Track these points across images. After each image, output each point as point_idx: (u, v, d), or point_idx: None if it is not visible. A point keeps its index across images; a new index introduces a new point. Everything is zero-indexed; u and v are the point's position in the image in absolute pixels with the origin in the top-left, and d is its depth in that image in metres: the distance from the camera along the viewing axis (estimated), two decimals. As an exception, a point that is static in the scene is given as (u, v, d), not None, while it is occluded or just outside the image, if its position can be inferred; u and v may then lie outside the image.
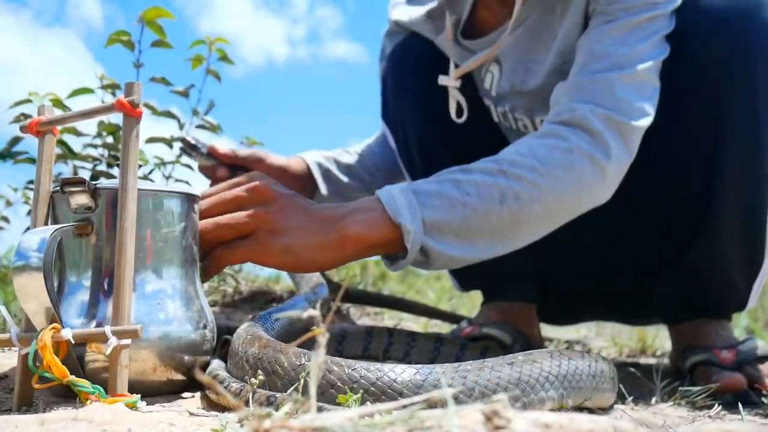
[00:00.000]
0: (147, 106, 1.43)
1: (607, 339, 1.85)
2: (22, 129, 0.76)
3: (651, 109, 0.94)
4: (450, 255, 0.85)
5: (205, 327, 0.78)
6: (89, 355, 0.69)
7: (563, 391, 0.72)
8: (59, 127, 0.79)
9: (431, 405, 0.60)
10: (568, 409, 0.72)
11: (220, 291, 1.54)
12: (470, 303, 2.42)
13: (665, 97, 0.98)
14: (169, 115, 1.49)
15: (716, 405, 0.90)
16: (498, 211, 0.85)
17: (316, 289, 1.05)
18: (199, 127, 1.60)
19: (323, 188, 1.21)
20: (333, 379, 0.64)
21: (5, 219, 1.75)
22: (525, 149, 0.87)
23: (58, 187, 0.73)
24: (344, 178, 1.25)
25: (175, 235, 0.76)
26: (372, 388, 0.63)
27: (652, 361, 1.49)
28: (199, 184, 1.12)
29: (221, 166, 1.13)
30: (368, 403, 0.63)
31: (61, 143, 1.39)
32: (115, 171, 1.41)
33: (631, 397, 0.91)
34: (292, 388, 0.65)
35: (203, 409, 0.70)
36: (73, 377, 0.65)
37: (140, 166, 1.36)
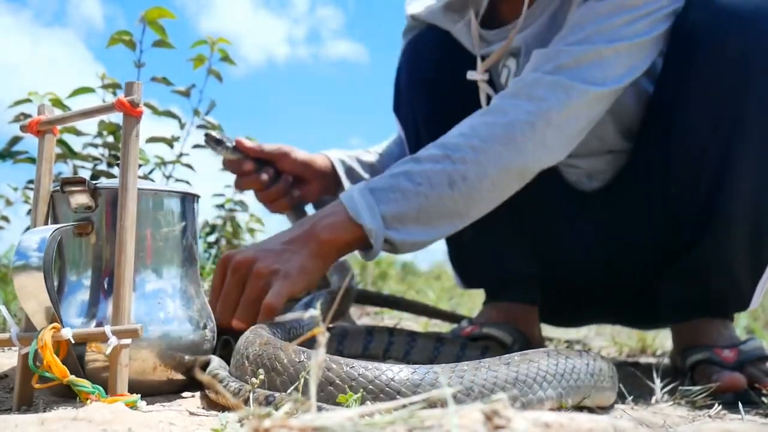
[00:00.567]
0: (147, 105, 1.43)
1: (607, 338, 1.85)
2: (22, 128, 0.76)
3: (613, 83, 0.96)
4: (414, 240, 0.93)
5: (205, 327, 0.78)
6: (89, 355, 0.69)
7: (561, 390, 0.72)
8: (59, 127, 0.79)
9: (431, 404, 0.60)
10: (568, 408, 0.72)
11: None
12: (470, 303, 2.42)
13: (678, 95, 0.99)
14: (169, 114, 1.49)
15: (716, 404, 0.90)
16: (450, 195, 0.92)
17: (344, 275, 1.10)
18: (199, 127, 1.60)
19: (347, 185, 1.22)
20: (331, 377, 0.64)
21: (5, 218, 1.75)
22: (467, 130, 0.93)
23: (58, 187, 0.73)
24: (367, 176, 1.26)
25: (175, 235, 0.76)
26: (370, 386, 0.63)
27: (652, 360, 1.49)
28: (199, 184, 1.12)
29: (247, 160, 1.13)
30: (368, 402, 0.63)
31: (61, 143, 1.39)
32: (116, 170, 1.41)
33: (631, 397, 0.91)
34: (292, 387, 0.65)
35: (203, 408, 0.70)
36: (73, 377, 0.65)
37: (140, 165, 1.36)
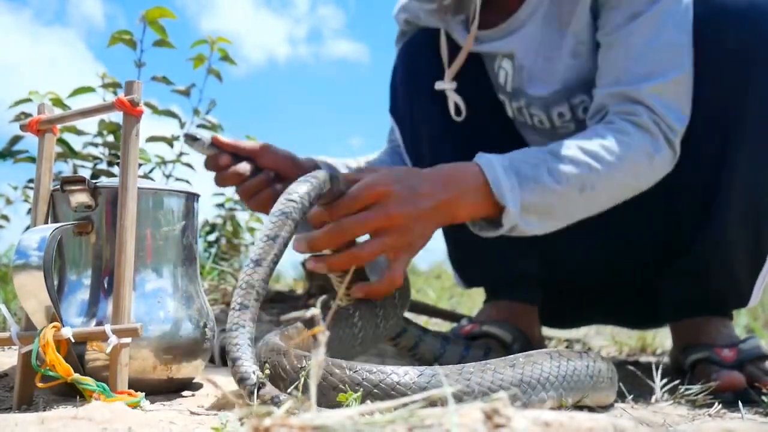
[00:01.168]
0: (147, 105, 1.43)
1: (607, 338, 1.85)
2: (22, 127, 0.76)
3: (688, 110, 1.00)
4: (523, 229, 0.94)
5: (205, 326, 0.78)
6: (89, 354, 0.69)
7: (562, 391, 0.72)
8: (59, 126, 0.79)
9: (432, 404, 0.60)
10: (568, 407, 0.72)
11: (220, 290, 1.54)
12: (470, 302, 2.42)
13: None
14: (169, 114, 1.49)
15: (716, 404, 0.90)
16: (576, 199, 0.95)
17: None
18: (200, 126, 1.60)
19: None
20: (334, 382, 0.63)
21: (5, 218, 1.75)
22: (608, 144, 0.95)
23: (58, 186, 0.73)
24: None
25: (175, 234, 0.76)
26: (375, 390, 0.63)
27: (652, 359, 1.49)
28: (200, 184, 1.11)
29: (223, 154, 1.10)
30: (368, 402, 0.63)
31: (62, 142, 1.39)
32: (116, 170, 1.41)
33: (631, 396, 0.90)
34: (291, 387, 0.65)
35: (203, 407, 0.70)
36: (77, 375, 0.65)
37: (140, 164, 1.36)
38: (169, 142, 1.54)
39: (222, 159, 1.08)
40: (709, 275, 1.06)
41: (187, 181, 1.57)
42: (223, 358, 1.07)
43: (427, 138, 1.18)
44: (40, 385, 0.66)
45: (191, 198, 0.79)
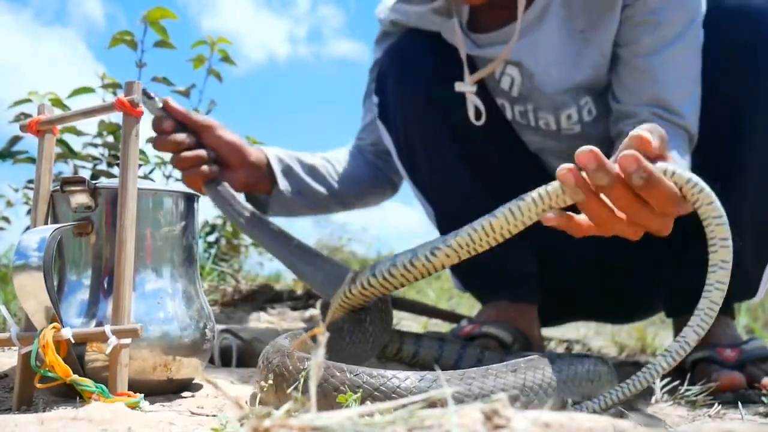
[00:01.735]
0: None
1: (606, 338, 1.85)
2: (22, 128, 0.76)
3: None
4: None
5: (205, 326, 0.78)
6: (89, 355, 0.69)
7: (563, 395, 0.72)
8: (59, 127, 0.79)
9: (431, 405, 0.60)
10: (568, 407, 0.72)
11: (220, 290, 1.54)
12: (470, 302, 2.42)
13: None
14: (169, 114, 1.49)
15: (716, 404, 0.90)
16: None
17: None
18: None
19: (282, 184, 1.18)
20: (335, 383, 0.64)
21: (5, 218, 1.75)
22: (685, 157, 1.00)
23: (58, 187, 0.73)
24: (308, 179, 1.22)
25: (174, 235, 0.76)
26: (375, 393, 0.63)
27: (651, 359, 1.49)
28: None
29: (169, 119, 1.06)
30: (368, 402, 0.63)
31: (61, 142, 1.40)
32: (116, 170, 1.41)
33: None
34: (291, 387, 0.65)
35: (203, 408, 0.70)
36: (76, 376, 0.65)
37: (140, 165, 1.36)
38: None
39: (165, 123, 1.06)
40: None
41: (187, 182, 1.57)
42: (222, 359, 1.07)
43: (422, 144, 1.16)
44: (39, 385, 0.66)
45: (191, 198, 0.79)
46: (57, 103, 1.33)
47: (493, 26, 1.13)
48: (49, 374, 0.65)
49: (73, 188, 0.72)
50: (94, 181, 0.73)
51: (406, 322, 1.76)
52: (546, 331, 1.53)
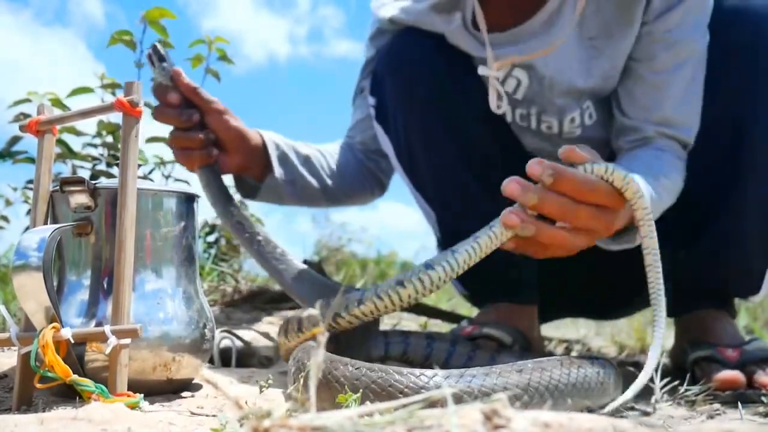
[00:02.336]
0: (147, 105, 1.43)
1: (606, 338, 1.85)
2: (22, 128, 0.76)
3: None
4: (631, 244, 0.96)
5: (204, 326, 0.78)
6: (89, 355, 0.69)
7: (570, 398, 0.72)
8: (59, 127, 0.79)
9: (431, 404, 0.60)
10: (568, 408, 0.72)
11: (219, 291, 1.54)
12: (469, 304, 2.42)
13: None
14: (168, 114, 1.49)
15: (716, 404, 0.90)
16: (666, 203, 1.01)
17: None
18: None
19: (278, 171, 1.17)
20: (337, 376, 0.64)
21: (5, 218, 1.75)
22: (677, 178, 1.03)
23: (58, 187, 0.73)
24: (302, 169, 1.21)
25: (174, 235, 0.76)
26: (372, 385, 0.63)
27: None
28: (199, 184, 1.10)
29: (175, 93, 1.03)
30: (368, 402, 0.63)
31: (61, 142, 1.40)
32: (115, 170, 1.41)
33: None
34: (291, 387, 0.65)
35: (203, 408, 0.70)
36: (75, 376, 0.65)
37: (140, 165, 1.36)
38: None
39: (171, 96, 1.03)
40: (723, 262, 1.08)
41: (187, 182, 1.57)
42: (222, 359, 1.07)
43: (423, 147, 1.16)
44: (39, 385, 0.66)
45: (191, 199, 0.79)
46: (56, 103, 1.33)
47: (501, 27, 1.12)
48: (49, 374, 0.65)
49: (72, 188, 0.72)
50: (93, 182, 0.72)
51: (406, 322, 1.76)
52: (546, 332, 1.53)
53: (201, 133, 1.05)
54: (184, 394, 0.76)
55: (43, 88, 1.35)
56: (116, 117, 1.39)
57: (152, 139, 1.53)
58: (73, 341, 0.66)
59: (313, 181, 1.23)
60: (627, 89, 1.09)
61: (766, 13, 1.03)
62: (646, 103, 1.07)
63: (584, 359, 0.77)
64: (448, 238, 1.20)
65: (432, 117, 1.13)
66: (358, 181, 1.31)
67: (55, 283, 0.72)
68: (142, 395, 0.66)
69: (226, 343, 1.09)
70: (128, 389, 0.67)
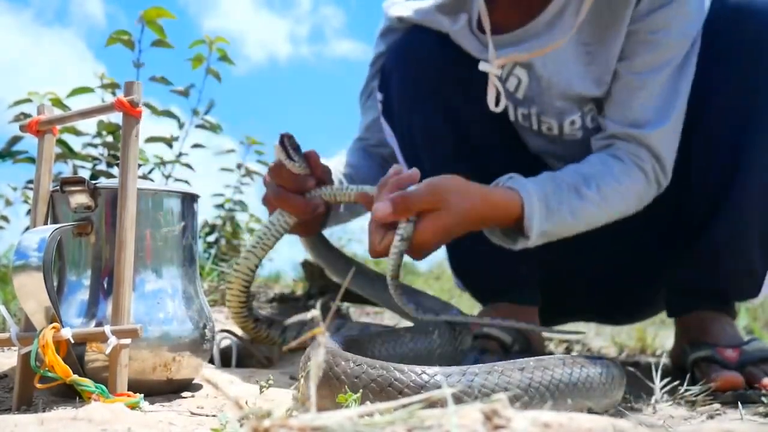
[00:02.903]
0: (147, 105, 1.43)
1: (606, 339, 1.85)
2: (22, 128, 0.76)
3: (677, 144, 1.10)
4: (527, 246, 1.02)
5: (204, 326, 0.78)
6: (89, 355, 0.69)
7: (572, 398, 0.71)
8: (59, 127, 0.79)
9: (431, 404, 0.60)
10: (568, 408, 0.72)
11: (220, 291, 1.54)
12: (470, 302, 2.42)
13: (697, 83, 1.05)
14: (169, 114, 1.49)
15: (716, 404, 0.90)
16: (580, 228, 1.05)
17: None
18: (199, 126, 1.60)
19: (342, 206, 1.19)
20: (338, 372, 0.64)
21: (5, 218, 1.75)
22: (621, 188, 1.06)
23: (58, 187, 0.73)
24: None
25: (174, 235, 0.76)
26: (372, 385, 0.63)
27: (651, 360, 1.49)
28: (199, 184, 1.10)
29: (310, 177, 1.02)
30: (368, 402, 0.63)
31: (61, 142, 1.39)
32: (115, 170, 1.41)
33: (631, 396, 0.90)
34: (293, 387, 0.65)
35: (203, 408, 0.70)
36: (76, 376, 0.65)
37: (140, 165, 1.36)
38: (169, 142, 1.54)
39: (309, 183, 1.02)
40: (723, 263, 1.08)
41: (187, 182, 1.57)
42: (222, 359, 1.07)
43: (426, 144, 1.16)
44: (39, 386, 0.66)
45: (190, 199, 0.79)
46: (57, 103, 1.33)
47: (505, 29, 1.12)
48: (49, 374, 0.65)
49: (72, 188, 0.72)
50: (93, 182, 0.72)
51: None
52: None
53: (320, 206, 1.04)
54: (184, 394, 0.76)
55: (44, 88, 1.35)
56: (116, 117, 1.38)
57: (152, 139, 1.52)
58: (73, 341, 0.66)
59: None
60: (609, 89, 1.09)
61: (764, 5, 1.03)
62: (618, 100, 1.08)
63: (587, 359, 0.76)
64: None
65: (434, 113, 1.14)
66: None
67: (55, 283, 0.72)
68: (142, 395, 0.66)
69: (226, 343, 1.09)
70: (128, 389, 0.67)
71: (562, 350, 1.56)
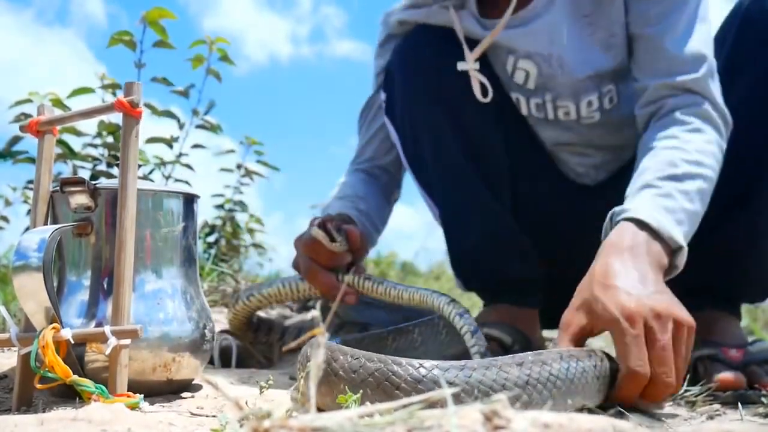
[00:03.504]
0: (147, 105, 1.43)
1: (606, 339, 1.85)
2: (22, 128, 0.76)
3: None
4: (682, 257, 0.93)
5: (205, 327, 0.78)
6: (89, 355, 0.69)
7: (569, 392, 0.72)
8: (59, 127, 0.79)
9: (431, 404, 0.60)
10: (568, 408, 0.72)
11: (219, 291, 1.54)
12: (469, 303, 2.42)
13: (728, 79, 1.04)
14: (169, 114, 1.49)
15: (716, 404, 0.90)
16: (704, 205, 0.97)
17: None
18: (199, 127, 1.60)
19: (367, 248, 1.19)
20: (336, 368, 0.64)
21: (5, 219, 1.75)
22: (701, 148, 0.98)
23: (58, 187, 0.73)
24: (373, 230, 1.24)
25: (174, 235, 0.76)
26: (369, 379, 0.64)
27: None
28: (199, 184, 1.10)
29: (348, 254, 1.05)
30: (368, 403, 0.63)
31: (61, 143, 1.40)
32: (115, 171, 1.41)
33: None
34: (293, 387, 0.65)
35: (203, 408, 0.70)
36: (75, 377, 0.65)
37: (140, 166, 1.36)
38: (169, 143, 1.54)
39: (346, 258, 1.05)
40: (736, 264, 1.07)
41: (187, 182, 1.57)
42: (222, 359, 1.07)
43: (428, 143, 1.16)
44: (39, 386, 0.66)
45: (191, 199, 0.79)
46: (57, 103, 1.33)
47: (502, 12, 1.13)
48: (49, 375, 0.65)
49: (72, 189, 0.72)
50: (93, 182, 0.72)
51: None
52: (547, 332, 1.53)
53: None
54: (184, 394, 0.76)
55: (44, 89, 1.35)
56: (116, 117, 1.38)
57: (152, 140, 1.53)
58: (73, 342, 0.66)
59: (378, 229, 1.27)
60: (633, 55, 1.08)
61: None
62: (647, 58, 1.06)
63: (584, 352, 0.77)
64: (449, 231, 1.20)
65: (435, 110, 1.15)
66: (389, 205, 1.33)
67: (55, 284, 0.72)
68: (142, 396, 0.66)
69: (226, 343, 1.09)
70: (128, 390, 0.67)
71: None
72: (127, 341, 0.67)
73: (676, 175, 0.95)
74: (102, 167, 1.46)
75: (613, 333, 0.80)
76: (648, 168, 0.97)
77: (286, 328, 1.13)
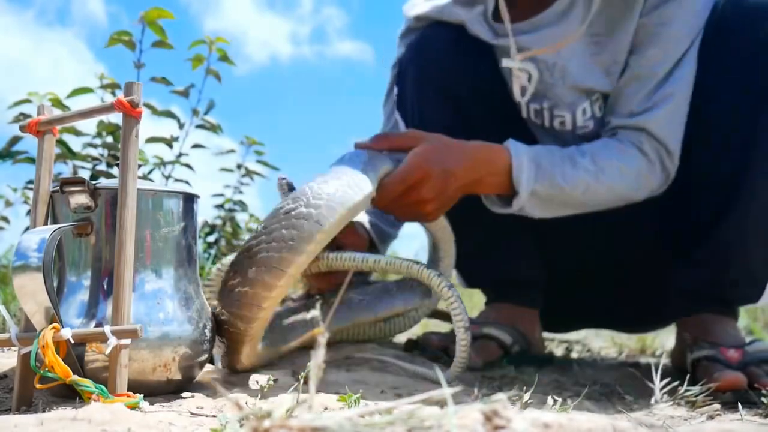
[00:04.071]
0: (147, 105, 1.43)
1: (606, 339, 1.85)
2: (22, 128, 0.76)
3: (683, 129, 1.10)
4: (528, 212, 1.06)
5: (204, 327, 0.78)
6: (89, 355, 0.69)
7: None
8: (59, 127, 0.79)
9: (431, 404, 0.60)
10: (568, 409, 0.72)
11: (219, 291, 1.53)
12: (470, 303, 2.42)
13: (707, 81, 1.05)
14: (169, 114, 1.49)
15: (716, 405, 0.90)
16: (576, 197, 1.07)
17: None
18: (199, 127, 1.60)
19: (380, 247, 1.21)
20: None
21: (5, 219, 1.75)
22: (618, 163, 1.08)
23: (58, 187, 0.73)
24: (388, 230, 1.25)
25: (174, 235, 0.76)
26: None
27: (651, 360, 1.49)
28: (199, 184, 1.10)
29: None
30: (367, 403, 0.63)
31: (61, 143, 1.40)
32: (115, 171, 1.41)
33: (631, 397, 0.90)
34: (292, 387, 0.65)
35: (203, 408, 0.70)
36: (75, 377, 0.65)
37: (140, 165, 1.36)
38: (168, 142, 1.54)
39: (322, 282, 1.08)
40: (726, 266, 1.07)
41: (187, 182, 1.57)
42: (222, 359, 1.07)
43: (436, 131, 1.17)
44: (39, 386, 0.66)
45: (190, 199, 0.79)
46: (57, 103, 1.33)
47: (520, 17, 1.13)
48: (49, 375, 0.65)
49: (72, 189, 0.72)
50: (93, 182, 0.72)
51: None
52: (546, 333, 1.53)
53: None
54: (184, 394, 0.76)
55: (44, 89, 1.35)
56: (116, 117, 1.39)
57: (152, 139, 1.53)
58: (73, 342, 0.66)
59: (393, 231, 1.28)
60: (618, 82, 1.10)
61: None
62: (623, 93, 1.09)
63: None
64: (453, 229, 1.21)
65: (446, 114, 1.15)
66: None
67: (55, 284, 0.72)
68: (142, 396, 0.66)
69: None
70: (128, 390, 0.66)
71: (563, 351, 1.56)
72: (127, 341, 0.67)
73: (576, 160, 1.05)
74: (102, 167, 1.46)
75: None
76: (566, 147, 1.08)
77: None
